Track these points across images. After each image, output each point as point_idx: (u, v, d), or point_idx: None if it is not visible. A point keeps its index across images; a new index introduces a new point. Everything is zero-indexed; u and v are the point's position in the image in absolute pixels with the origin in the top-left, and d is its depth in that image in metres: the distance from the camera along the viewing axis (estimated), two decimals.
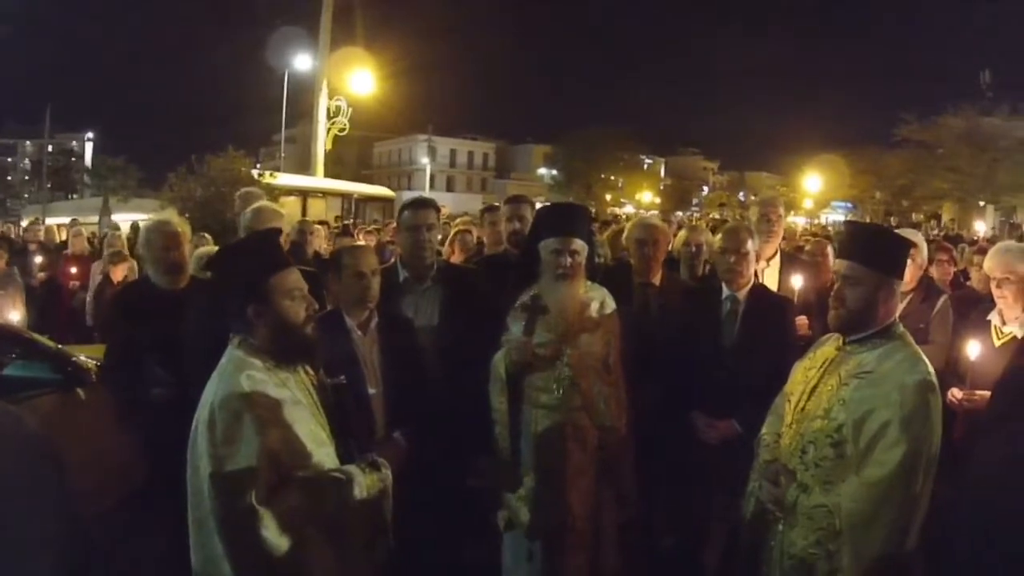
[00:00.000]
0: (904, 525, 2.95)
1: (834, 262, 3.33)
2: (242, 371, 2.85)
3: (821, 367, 3.29)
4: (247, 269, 3.02)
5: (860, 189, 55.00)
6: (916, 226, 19.80)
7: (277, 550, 2.69)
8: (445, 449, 4.25)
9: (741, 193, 71.91)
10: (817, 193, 59.32)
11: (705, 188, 75.30)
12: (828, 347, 3.36)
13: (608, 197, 63.07)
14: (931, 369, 3.09)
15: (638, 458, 4.50)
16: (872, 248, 3.23)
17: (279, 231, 3.91)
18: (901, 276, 3.25)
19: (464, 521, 4.62)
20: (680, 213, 44.56)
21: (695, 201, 67.75)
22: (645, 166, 74.55)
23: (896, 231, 3.61)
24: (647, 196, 67.05)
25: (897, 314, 3.26)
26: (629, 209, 53.96)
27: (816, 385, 3.25)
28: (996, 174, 42.39)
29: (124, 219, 20.20)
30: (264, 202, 5.69)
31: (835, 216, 57.57)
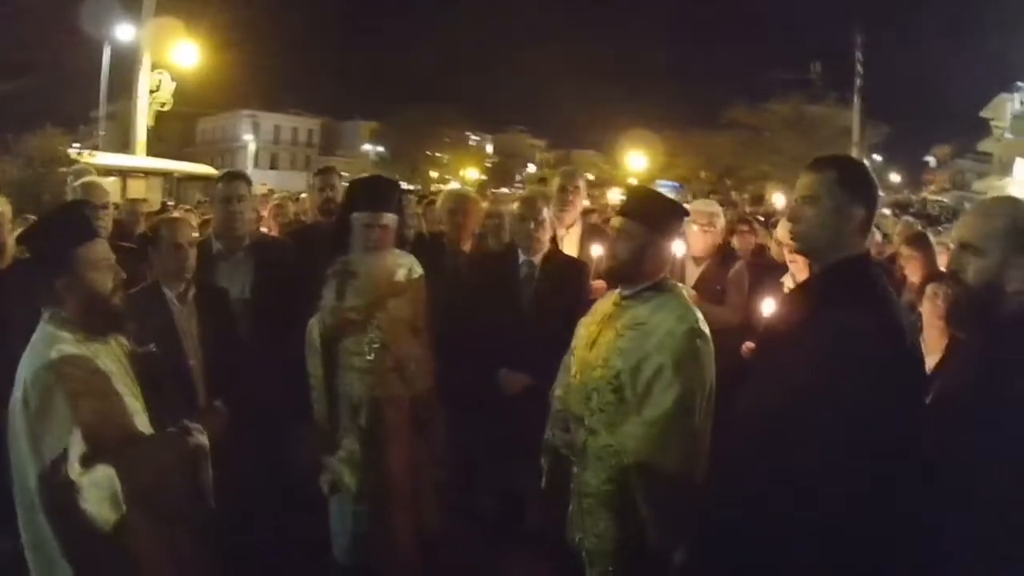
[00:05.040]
0: (686, 457, 3.24)
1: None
2: (53, 345, 2.90)
3: (600, 322, 3.56)
4: (54, 242, 3.07)
5: (687, 169, 56.23)
6: (734, 204, 20.75)
7: (98, 520, 2.75)
8: (264, 417, 4.38)
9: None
10: (643, 172, 60.73)
11: (532, 165, 75.87)
12: (606, 303, 3.64)
13: (436, 174, 63.03)
14: (700, 317, 3.38)
15: (458, 419, 4.72)
16: (642, 207, 3.54)
17: (85, 203, 3.98)
18: (668, 235, 3.53)
19: (289, 489, 4.77)
20: (505, 189, 44.90)
21: (518, 177, 68.27)
22: (472, 143, 74.87)
23: (667, 197, 3.92)
24: (473, 173, 67.24)
25: (689, 278, 3.47)
26: (454, 185, 54.02)
27: (596, 338, 3.51)
28: None
29: None
30: (93, 178, 5.79)
31: None
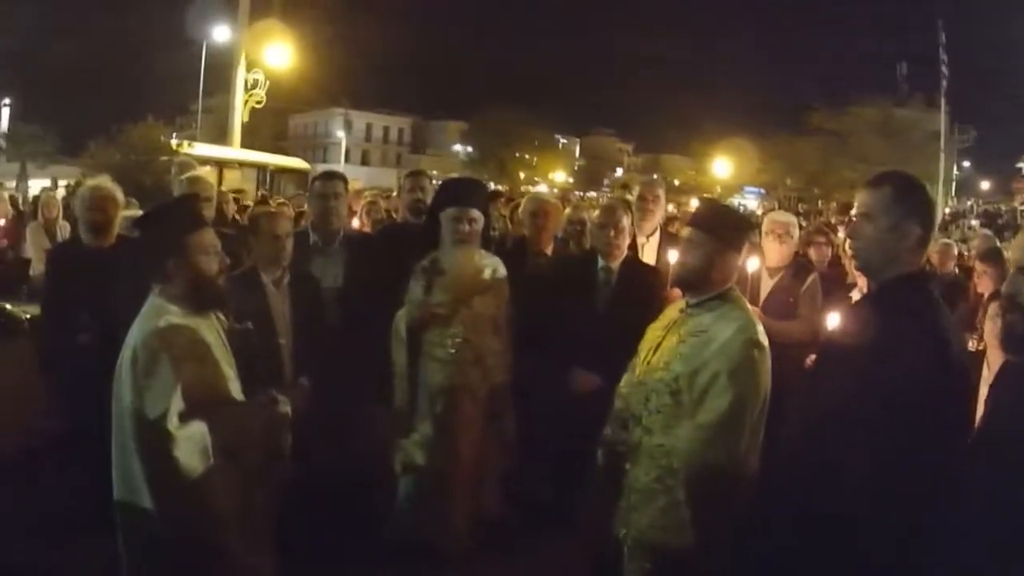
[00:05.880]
0: (732, 463, 3.27)
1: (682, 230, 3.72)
2: (161, 315, 3.27)
3: (666, 327, 3.66)
4: (169, 228, 3.43)
5: (772, 175, 54.86)
6: (819, 213, 20.49)
7: (187, 468, 3.12)
8: (344, 397, 4.68)
9: (656, 175, 70.36)
10: (728, 178, 59.74)
11: (620, 169, 75.10)
12: (673, 310, 3.75)
13: (522, 175, 62.78)
14: (761, 330, 3.42)
15: (525, 413, 4.87)
16: (710, 219, 3.64)
17: (197, 196, 4.33)
18: (737, 249, 3.59)
19: (362, 466, 4.96)
20: (593, 193, 44.63)
21: (605, 182, 67.37)
22: (560, 145, 74.45)
23: (737, 210, 3.97)
24: (560, 176, 66.82)
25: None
26: (542, 188, 53.29)
27: (661, 343, 3.60)
28: (907, 165, 42.78)
29: (42, 184, 20.08)
30: (198, 172, 6.24)
31: (747, 202, 57.18)
